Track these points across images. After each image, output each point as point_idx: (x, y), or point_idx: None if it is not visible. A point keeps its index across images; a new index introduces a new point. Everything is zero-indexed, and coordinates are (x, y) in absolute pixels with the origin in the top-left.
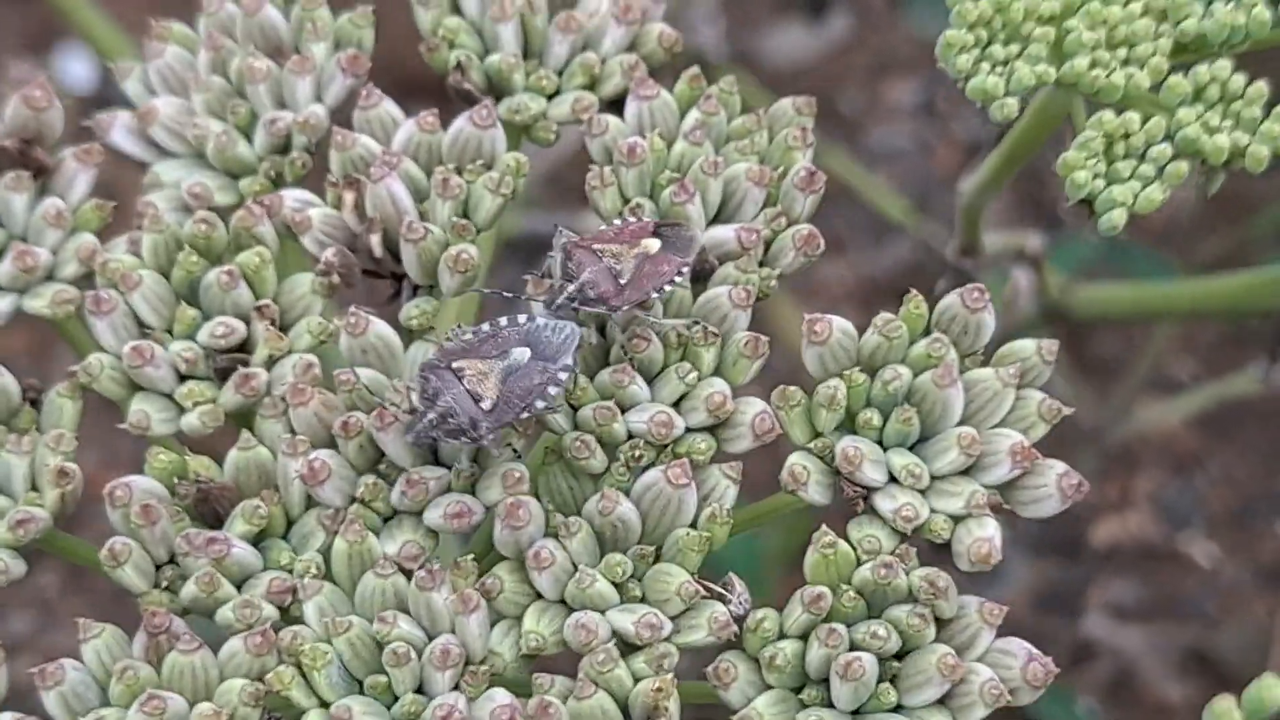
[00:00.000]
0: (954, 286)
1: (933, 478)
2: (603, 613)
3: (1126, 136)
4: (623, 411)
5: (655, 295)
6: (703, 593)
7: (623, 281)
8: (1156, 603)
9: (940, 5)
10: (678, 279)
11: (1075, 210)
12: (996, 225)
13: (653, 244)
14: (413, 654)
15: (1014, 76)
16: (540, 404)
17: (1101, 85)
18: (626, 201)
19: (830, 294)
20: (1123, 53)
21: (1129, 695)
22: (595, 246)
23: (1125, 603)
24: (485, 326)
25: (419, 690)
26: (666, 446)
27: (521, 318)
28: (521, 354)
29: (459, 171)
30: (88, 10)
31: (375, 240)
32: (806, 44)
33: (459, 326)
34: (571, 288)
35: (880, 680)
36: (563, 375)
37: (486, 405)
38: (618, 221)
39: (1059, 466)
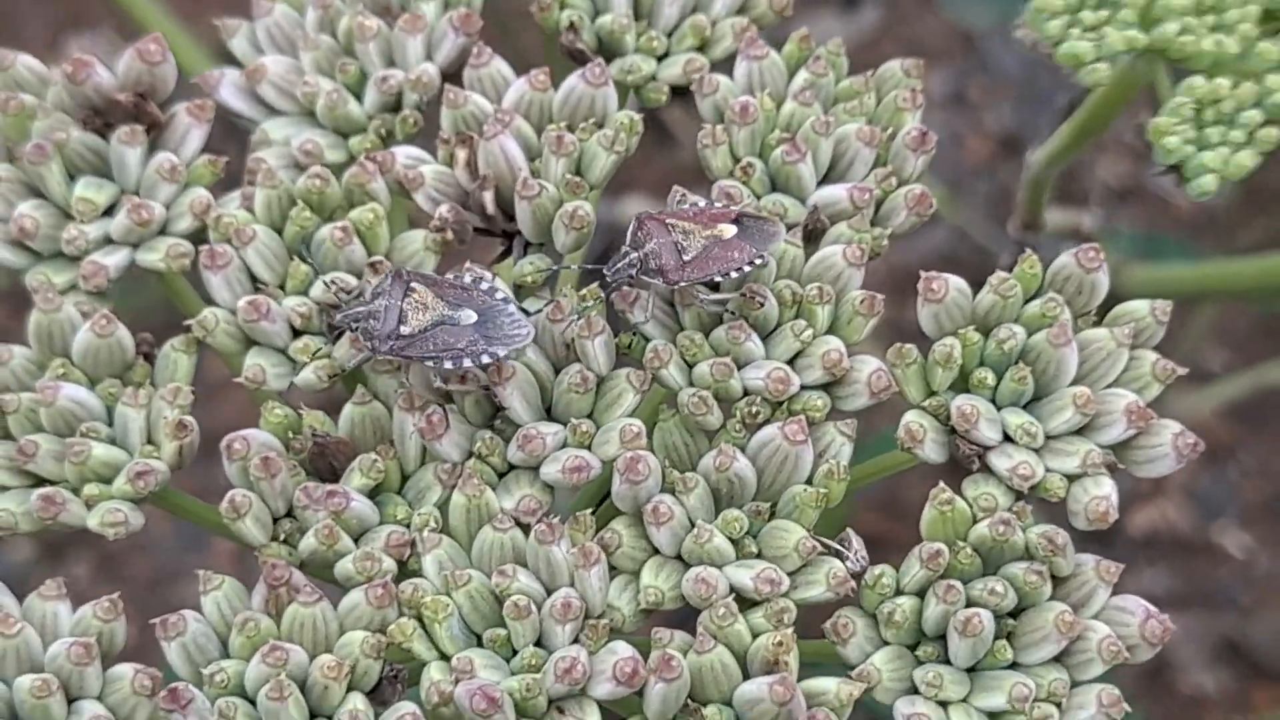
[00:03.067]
0: (1016, 259)
1: (1047, 437)
2: (720, 568)
3: (1216, 102)
4: (739, 368)
5: (720, 278)
6: (820, 549)
7: (686, 258)
8: (1190, 593)
9: None
10: (746, 267)
11: (1164, 176)
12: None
13: (728, 229)
14: (533, 607)
15: (1103, 42)
16: (447, 364)
17: (1190, 51)
18: (737, 160)
19: (865, 283)
20: (1211, 19)
21: (1163, 685)
22: (669, 221)
23: (1158, 592)
24: (468, 278)
25: (538, 643)
26: (782, 403)
27: (501, 294)
28: (468, 316)
29: (570, 129)
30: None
31: (488, 197)
32: (838, 33)
33: (467, 266)
34: (634, 255)
35: (997, 637)
36: (484, 360)
37: (405, 330)
38: (702, 203)
39: (1174, 426)
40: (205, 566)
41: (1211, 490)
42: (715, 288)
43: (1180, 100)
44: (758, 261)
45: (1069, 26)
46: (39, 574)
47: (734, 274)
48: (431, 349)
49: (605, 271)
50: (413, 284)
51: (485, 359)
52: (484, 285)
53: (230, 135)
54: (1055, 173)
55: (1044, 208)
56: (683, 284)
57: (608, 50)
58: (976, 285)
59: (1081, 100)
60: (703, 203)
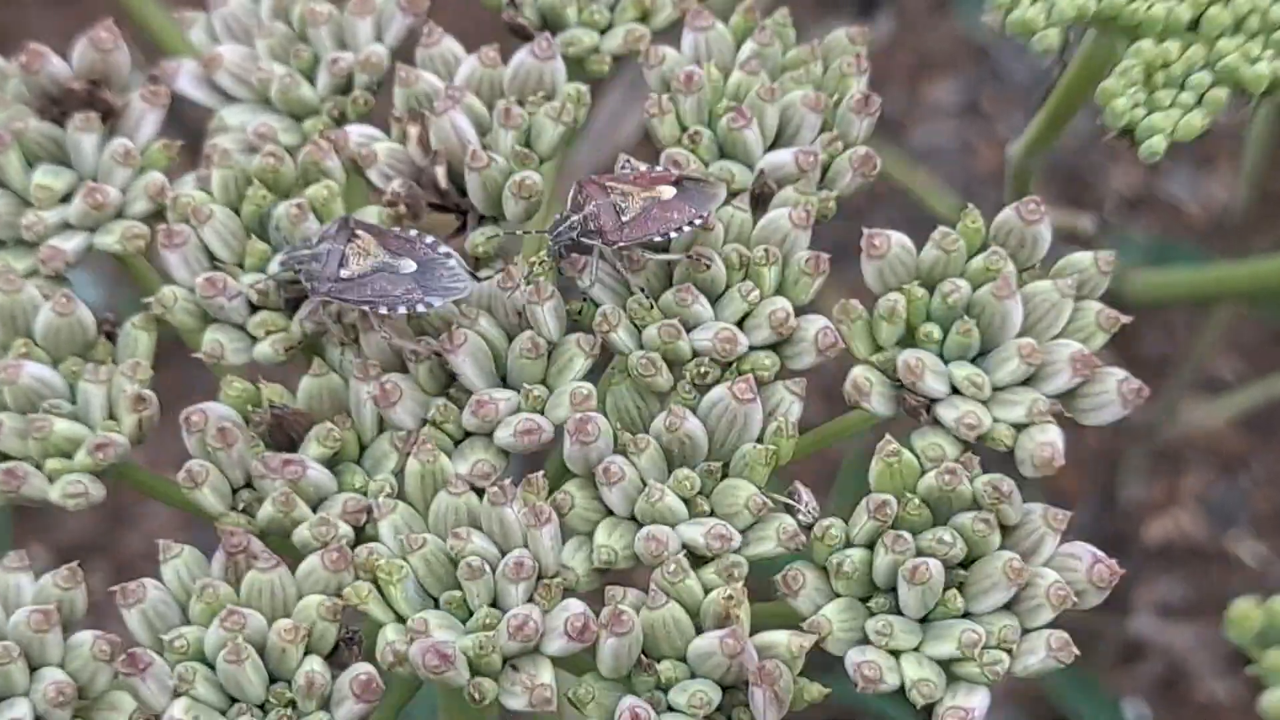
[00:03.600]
0: None
1: (994, 388)
2: (673, 527)
3: (1165, 65)
4: (687, 330)
5: (659, 238)
6: (770, 505)
7: (624, 219)
8: (1203, 601)
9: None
10: (686, 227)
11: (1115, 141)
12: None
13: (667, 190)
14: (486, 568)
15: (1054, 9)
16: (382, 309)
17: (1142, 18)
18: (684, 129)
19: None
20: None
21: (1178, 693)
22: (608, 184)
23: (1172, 601)
24: (413, 231)
25: (493, 604)
26: (731, 364)
27: (443, 249)
28: (407, 265)
29: (520, 103)
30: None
31: (440, 172)
32: None
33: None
34: (575, 217)
35: (947, 587)
36: (419, 309)
37: (344, 274)
38: (643, 167)
39: (1118, 373)
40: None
41: (1224, 499)
42: (664, 251)
43: (1129, 63)
44: (696, 222)
45: None
46: None
47: (673, 234)
48: (369, 294)
49: (547, 234)
50: (357, 231)
51: (420, 308)
52: (428, 240)
53: (178, 125)
54: (1037, 163)
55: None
56: (621, 243)
57: (551, 25)
58: None
59: (1054, 87)
60: (644, 167)
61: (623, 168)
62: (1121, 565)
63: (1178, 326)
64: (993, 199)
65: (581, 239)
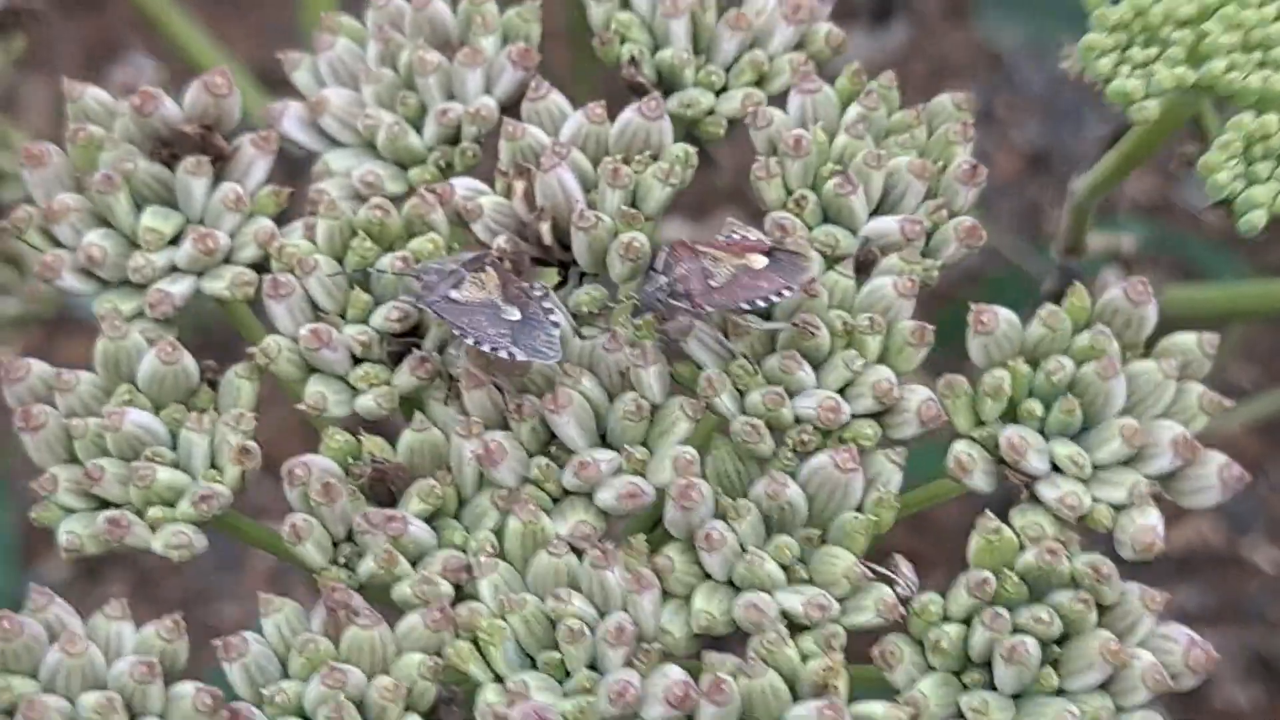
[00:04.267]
0: (1060, 284)
1: (1095, 467)
2: (770, 593)
3: (1265, 138)
4: (790, 397)
5: (746, 307)
6: (869, 575)
7: (713, 284)
8: (1221, 608)
9: (1014, 11)
10: (774, 297)
11: (1212, 210)
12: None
13: (758, 260)
14: (586, 631)
15: (1153, 79)
16: (469, 339)
17: (1238, 88)
18: (790, 193)
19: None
20: (1258, 55)
21: (1197, 699)
22: (699, 248)
23: (1189, 607)
24: (539, 290)
25: (591, 667)
26: (833, 432)
27: (555, 316)
28: (511, 313)
29: (626, 162)
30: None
31: (545, 228)
32: (867, 51)
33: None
34: (664, 280)
35: (1042, 664)
36: (501, 353)
37: (454, 296)
38: (736, 235)
39: (1220, 458)
40: (240, 586)
41: (1241, 505)
42: (738, 314)
43: (1229, 137)
44: (785, 293)
45: (1118, 64)
46: (76, 593)
47: (760, 303)
48: (464, 322)
49: (635, 295)
50: (487, 266)
51: (502, 353)
52: (546, 303)
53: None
54: (1098, 200)
55: (1086, 234)
56: (708, 309)
57: (667, 84)
58: (1010, 305)
59: (1125, 130)
60: (737, 235)
61: (729, 232)
62: (1144, 575)
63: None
64: (1008, 207)
65: (669, 301)
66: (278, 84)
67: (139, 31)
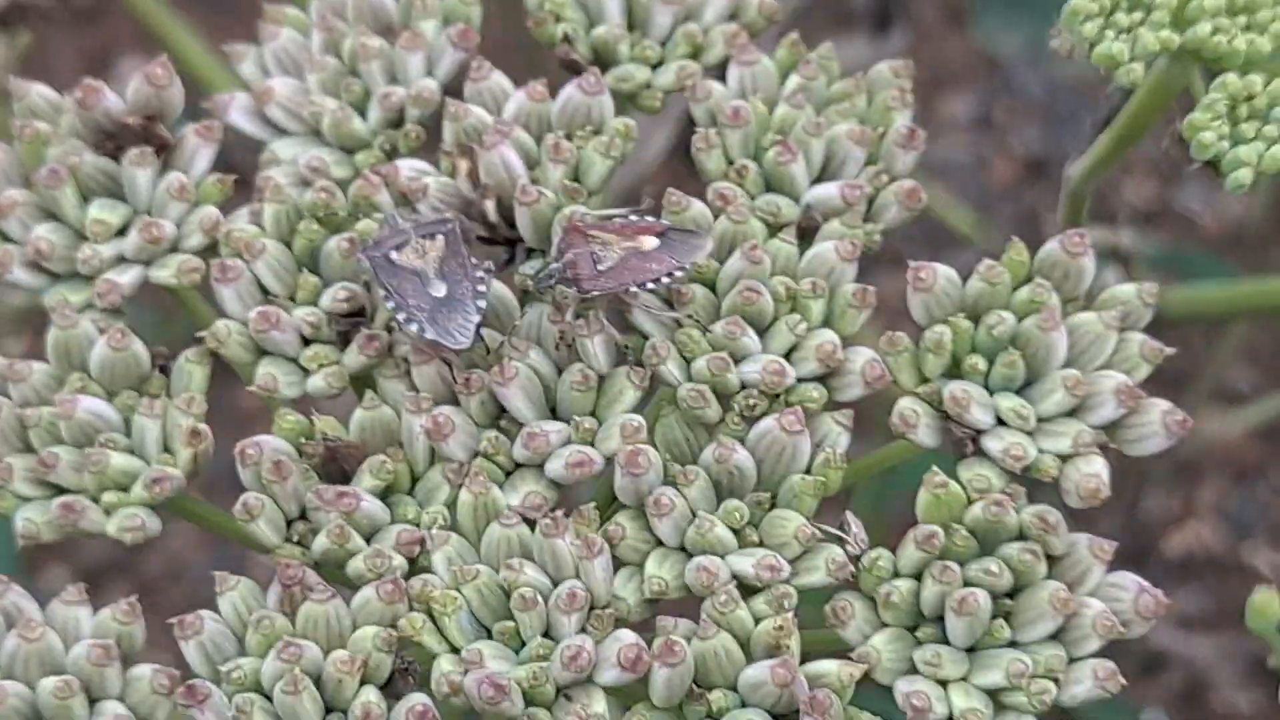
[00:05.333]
0: None
1: (1039, 420)
2: (723, 557)
3: (1250, 99)
4: (735, 363)
5: (635, 289)
6: (819, 535)
7: (600, 268)
8: (1222, 612)
9: (1012, 16)
10: (665, 279)
11: (1201, 171)
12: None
13: (649, 241)
14: (539, 599)
15: (1138, 43)
16: (389, 304)
17: (1223, 51)
18: (730, 163)
19: (890, 306)
20: (1243, 19)
21: (1198, 704)
22: (590, 231)
23: (1191, 612)
24: (483, 271)
25: (546, 634)
26: (779, 395)
27: (482, 301)
28: (438, 288)
29: (569, 138)
30: (176, 27)
31: (490, 206)
32: (867, 58)
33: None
34: (555, 264)
35: (994, 617)
36: (410, 327)
37: (394, 257)
38: (633, 217)
39: (1163, 404)
40: None
41: (1242, 510)
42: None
43: (1214, 96)
44: (677, 274)
45: (1104, 29)
46: None
47: (650, 285)
48: (392, 285)
49: (529, 278)
50: (438, 233)
51: (411, 326)
52: (481, 286)
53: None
54: (1094, 186)
55: (1084, 222)
56: (595, 292)
57: (603, 61)
58: None
59: (1118, 110)
60: (633, 217)
61: (625, 213)
62: (1143, 577)
63: (1194, 339)
64: (1007, 213)
65: (559, 285)
66: None
67: (138, 42)
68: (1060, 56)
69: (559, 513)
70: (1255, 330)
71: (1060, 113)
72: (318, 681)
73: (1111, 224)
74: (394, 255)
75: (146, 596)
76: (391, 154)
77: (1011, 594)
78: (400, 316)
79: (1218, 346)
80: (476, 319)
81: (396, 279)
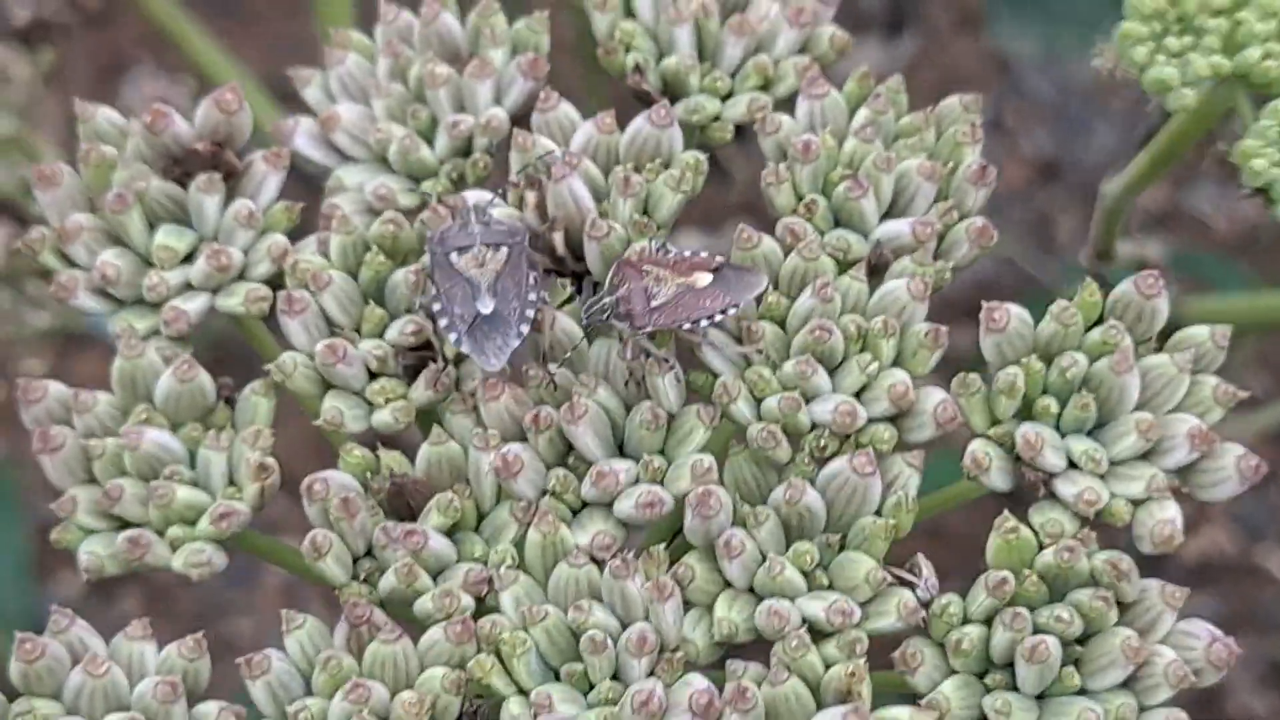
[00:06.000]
0: None
1: (1111, 463)
2: (792, 600)
3: None
4: (806, 402)
5: (689, 325)
6: (890, 579)
7: (654, 304)
8: (1236, 616)
9: (1026, 20)
10: (719, 315)
11: (1249, 198)
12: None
13: (703, 278)
14: (609, 641)
15: (1189, 68)
16: (435, 306)
17: (1274, 75)
18: (800, 198)
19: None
20: None
21: (1214, 708)
22: (645, 266)
23: (1204, 616)
24: (537, 296)
25: (614, 677)
26: (850, 436)
27: (526, 326)
28: (486, 305)
29: (637, 170)
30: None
31: (558, 239)
32: (879, 62)
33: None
34: (608, 299)
35: (1064, 664)
36: (449, 335)
37: (453, 260)
38: (688, 252)
39: (1237, 449)
40: (253, 601)
41: (1254, 514)
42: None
43: (1266, 124)
44: (731, 311)
45: (1154, 53)
46: (89, 610)
47: (704, 321)
48: (444, 287)
49: (581, 313)
50: (504, 245)
51: (450, 335)
52: (530, 311)
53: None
54: (1130, 204)
55: (1117, 238)
56: (648, 329)
57: (673, 91)
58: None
59: (1159, 128)
60: (688, 252)
61: (664, 250)
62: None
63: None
64: (1016, 216)
65: (611, 320)
66: (288, 97)
67: (149, 47)
68: (1102, 73)
69: (629, 554)
70: (1268, 336)
71: (1071, 117)
72: None
73: (1123, 228)
74: (454, 258)
75: (158, 603)
76: (459, 183)
77: (1081, 640)
78: (442, 322)
79: (1232, 352)
80: (516, 343)
81: (450, 282)
